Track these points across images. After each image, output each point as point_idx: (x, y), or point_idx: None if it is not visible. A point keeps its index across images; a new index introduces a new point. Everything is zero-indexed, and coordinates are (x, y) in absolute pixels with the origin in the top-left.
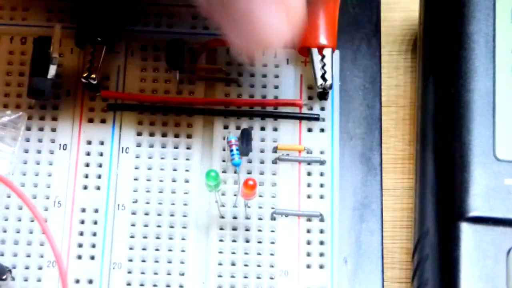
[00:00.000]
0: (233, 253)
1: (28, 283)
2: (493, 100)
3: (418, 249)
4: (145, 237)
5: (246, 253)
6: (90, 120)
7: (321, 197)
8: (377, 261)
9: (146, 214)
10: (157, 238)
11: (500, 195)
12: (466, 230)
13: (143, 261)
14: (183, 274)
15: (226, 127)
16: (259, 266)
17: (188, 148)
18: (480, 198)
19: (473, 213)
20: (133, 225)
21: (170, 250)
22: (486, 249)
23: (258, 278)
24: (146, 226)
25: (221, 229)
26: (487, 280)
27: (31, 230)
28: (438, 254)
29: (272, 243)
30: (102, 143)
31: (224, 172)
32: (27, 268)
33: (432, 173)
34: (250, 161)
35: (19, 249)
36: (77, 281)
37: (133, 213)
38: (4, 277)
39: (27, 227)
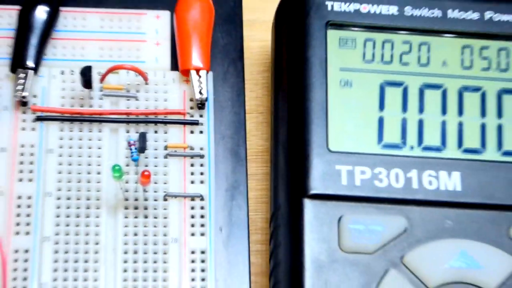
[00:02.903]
0: (135, 226)
1: None
2: (326, 107)
3: (273, 219)
4: (67, 216)
5: (145, 226)
6: (23, 128)
7: (201, 182)
8: (244, 229)
9: (68, 198)
10: (77, 216)
11: (332, 177)
12: (308, 204)
13: (67, 234)
14: (97, 243)
15: (128, 131)
16: (155, 235)
17: (99, 148)
18: (318, 180)
19: (313, 191)
20: (58, 207)
21: (87, 226)
22: (323, 218)
23: (155, 244)
24: (68, 208)
25: (126, 208)
26: (324, 241)
27: None
28: (287, 223)
29: (165, 218)
30: (32, 145)
31: (127, 165)
32: None
33: (283, 162)
34: (146, 157)
35: None
36: (16, 251)
37: (58, 198)
38: None
39: None
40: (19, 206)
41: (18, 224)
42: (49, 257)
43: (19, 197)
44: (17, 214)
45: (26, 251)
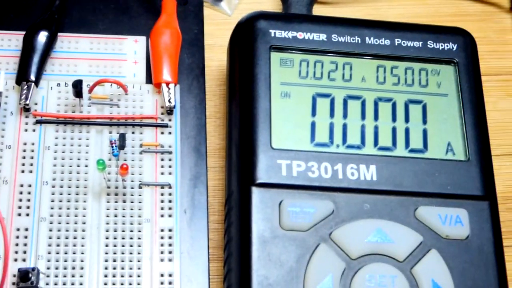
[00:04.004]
0: (116, 209)
1: None
2: (269, 113)
3: (227, 203)
4: (60, 201)
5: (123, 209)
6: (26, 130)
7: (170, 173)
8: (204, 211)
9: (61, 186)
10: (68, 201)
11: (275, 169)
12: (255, 191)
13: (60, 215)
14: (84, 223)
15: (110, 132)
16: (131, 216)
17: (87, 146)
18: (263, 172)
19: (259, 181)
20: (53, 193)
21: (76, 209)
22: (267, 202)
23: (131, 224)
24: (61, 194)
25: (108, 195)
26: (268, 221)
27: None
28: (238, 206)
29: (140, 202)
30: (33, 143)
31: (109, 160)
32: None
33: (235, 157)
34: (125, 153)
35: None
36: (18, 229)
37: (53, 186)
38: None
39: None
40: (21, 193)
41: (19, 207)
42: (45, 234)
43: (21, 185)
44: (19, 199)
45: (26, 229)
